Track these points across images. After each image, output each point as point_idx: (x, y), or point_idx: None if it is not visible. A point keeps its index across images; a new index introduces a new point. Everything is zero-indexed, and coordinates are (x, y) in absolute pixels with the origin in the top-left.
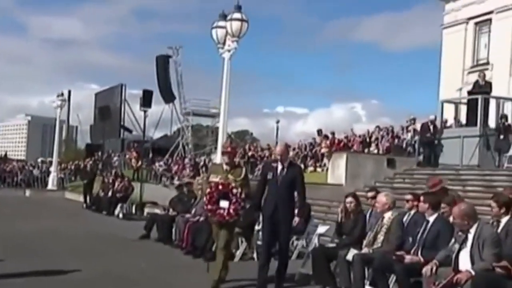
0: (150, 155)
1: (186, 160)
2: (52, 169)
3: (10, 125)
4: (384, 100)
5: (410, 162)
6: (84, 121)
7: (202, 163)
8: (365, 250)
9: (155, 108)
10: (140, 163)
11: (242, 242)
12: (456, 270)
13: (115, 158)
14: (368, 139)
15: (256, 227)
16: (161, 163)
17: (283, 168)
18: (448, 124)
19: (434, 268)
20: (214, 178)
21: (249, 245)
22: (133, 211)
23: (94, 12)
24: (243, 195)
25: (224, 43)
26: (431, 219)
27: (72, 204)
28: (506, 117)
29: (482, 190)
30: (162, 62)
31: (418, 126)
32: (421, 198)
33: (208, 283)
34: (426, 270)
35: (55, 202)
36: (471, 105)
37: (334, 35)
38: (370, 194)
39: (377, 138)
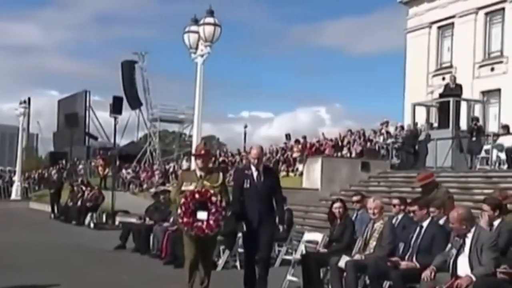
0: (117, 162)
1: (155, 167)
2: (15, 178)
3: None
4: (347, 104)
5: (384, 165)
6: (45, 128)
7: (171, 169)
8: (357, 256)
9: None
10: (107, 170)
11: (224, 250)
12: (455, 276)
13: (80, 166)
14: (340, 143)
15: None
16: (129, 170)
17: (259, 174)
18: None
19: (433, 274)
20: (188, 187)
21: (231, 253)
22: (104, 220)
23: (53, 18)
24: (223, 203)
25: (196, 48)
26: (425, 224)
27: (38, 215)
28: (477, 119)
29: (458, 192)
30: (128, 68)
31: (391, 129)
32: (412, 203)
33: None
34: (425, 275)
35: (20, 212)
36: (443, 108)
37: (298, 40)
38: (355, 198)
39: (349, 142)
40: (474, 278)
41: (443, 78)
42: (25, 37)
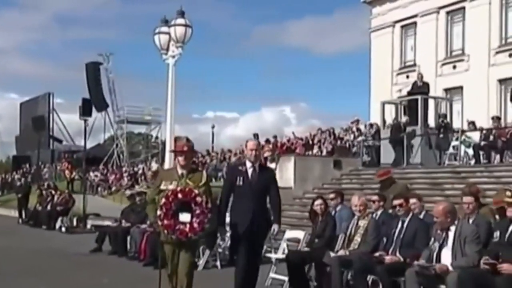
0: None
1: (124, 169)
2: None
3: None
4: (312, 102)
5: (355, 163)
6: (4, 132)
7: (140, 171)
8: (341, 252)
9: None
10: (73, 174)
11: (204, 250)
12: None
13: (45, 170)
14: (310, 142)
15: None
16: (97, 173)
17: (254, 171)
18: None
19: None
20: (168, 186)
21: (211, 252)
22: (75, 224)
23: (11, 19)
24: (209, 205)
25: (167, 49)
26: (407, 219)
27: (4, 220)
28: (445, 116)
29: (428, 188)
30: (93, 70)
31: (361, 127)
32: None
33: None
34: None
35: None
36: (411, 105)
37: (262, 40)
38: (332, 195)
39: (319, 140)
40: (451, 269)
41: (407, 77)
42: None
